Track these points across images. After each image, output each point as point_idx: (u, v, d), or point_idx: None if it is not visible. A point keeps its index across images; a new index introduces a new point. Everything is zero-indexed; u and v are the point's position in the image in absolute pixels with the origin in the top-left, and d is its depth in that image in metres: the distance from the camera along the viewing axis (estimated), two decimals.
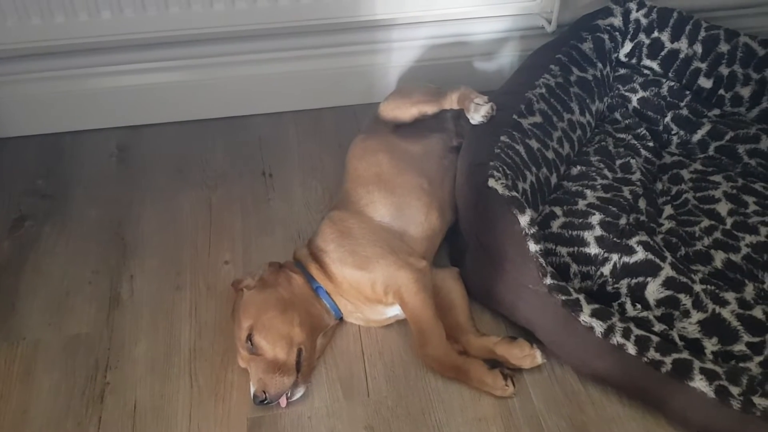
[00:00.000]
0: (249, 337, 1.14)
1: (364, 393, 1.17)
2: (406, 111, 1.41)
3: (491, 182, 1.19)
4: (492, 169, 1.22)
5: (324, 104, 1.75)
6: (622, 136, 1.52)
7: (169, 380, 1.19)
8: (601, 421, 1.12)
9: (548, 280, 1.14)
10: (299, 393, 1.14)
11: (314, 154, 1.64)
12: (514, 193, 1.18)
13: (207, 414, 1.14)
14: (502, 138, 1.30)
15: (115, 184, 1.56)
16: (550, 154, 1.37)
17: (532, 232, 1.15)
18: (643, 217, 1.34)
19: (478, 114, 1.33)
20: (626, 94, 1.59)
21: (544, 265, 1.14)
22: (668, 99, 1.57)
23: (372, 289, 1.20)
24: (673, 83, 1.58)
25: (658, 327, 1.16)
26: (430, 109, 1.41)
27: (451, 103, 1.39)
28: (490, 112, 1.33)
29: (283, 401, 1.12)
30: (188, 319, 1.28)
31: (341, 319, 1.26)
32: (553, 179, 1.38)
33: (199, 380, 1.19)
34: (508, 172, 1.24)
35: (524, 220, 1.15)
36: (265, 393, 1.10)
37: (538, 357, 1.17)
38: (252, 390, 1.11)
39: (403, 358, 1.22)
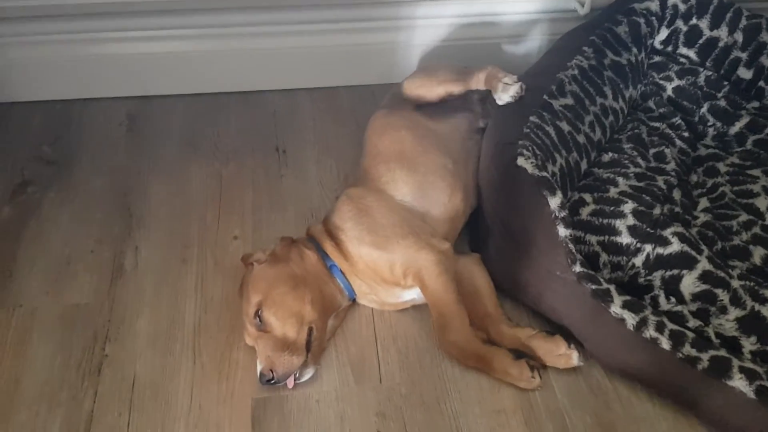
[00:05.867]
0: (258, 313, 1.07)
1: (376, 378, 1.10)
2: (432, 90, 1.35)
3: (520, 161, 1.12)
4: (521, 147, 1.15)
5: (341, 82, 1.68)
6: (656, 125, 1.45)
7: (171, 356, 1.12)
8: (629, 420, 1.05)
9: (578, 268, 1.07)
10: (308, 374, 1.08)
11: (330, 132, 1.57)
12: (545, 174, 1.11)
13: (209, 392, 1.07)
14: (532, 118, 1.23)
15: (124, 154, 1.51)
16: (581, 138, 1.30)
17: (562, 215, 1.08)
18: (677, 209, 1.27)
19: (506, 94, 1.27)
20: (661, 82, 1.52)
21: (573, 251, 1.08)
22: (705, 89, 1.50)
23: (390, 271, 1.13)
24: (710, 73, 1.51)
25: (693, 323, 1.08)
26: (456, 88, 1.34)
27: (478, 83, 1.32)
28: (519, 92, 1.27)
29: (290, 382, 1.06)
30: (194, 293, 1.22)
31: (354, 300, 1.20)
32: (583, 165, 1.31)
33: (203, 357, 1.12)
34: (538, 152, 1.17)
35: (554, 202, 1.08)
36: (272, 372, 1.03)
37: (574, 359, 1.09)
38: (258, 368, 1.05)
39: (417, 345, 1.15)
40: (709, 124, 1.48)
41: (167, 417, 1.04)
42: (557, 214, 1.08)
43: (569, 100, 1.31)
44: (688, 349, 1.01)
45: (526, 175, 1.11)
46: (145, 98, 1.64)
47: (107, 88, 1.63)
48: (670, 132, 1.43)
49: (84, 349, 1.13)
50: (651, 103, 1.50)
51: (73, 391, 1.07)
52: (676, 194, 1.30)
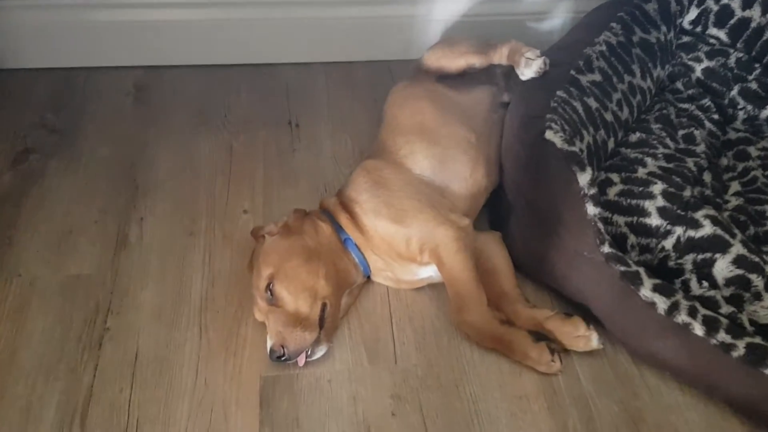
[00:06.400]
0: (269, 287, 1.02)
1: (391, 359, 1.05)
2: (453, 61, 1.30)
3: (549, 134, 1.07)
4: (549, 121, 1.09)
5: (357, 57, 1.63)
6: (685, 106, 1.39)
7: (177, 330, 1.07)
8: (658, 409, 0.99)
9: (606, 248, 1.02)
10: (320, 352, 1.03)
11: (345, 107, 1.52)
12: (574, 148, 1.05)
13: (216, 369, 1.02)
14: (559, 93, 1.17)
15: (130, 123, 1.45)
16: (608, 116, 1.24)
17: (591, 192, 1.02)
18: (708, 191, 1.21)
19: (529, 69, 1.21)
20: (689, 63, 1.46)
21: (602, 230, 1.02)
22: (735, 71, 1.43)
23: (406, 246, 1.07)
24: (741, 54, 1.45)
25: (726, 309, 1.03)
26: (477, 60, 1.29)
27: (500, 57, 1.27)
28: (543, 67, 1.21)
29: (301, 359, 1.00)
30: (201, 266, 1.16)
31: (369, 277, 1.14)
32: (610, 144, 1.25)
33: (210, 332, 1.07)
34: (566, 127, 1.11)
35: (584, 178, 1.03)
36: (283, 348, 0.98)
37: (594, 341, 1.03)
38: (269, 344, 1.00)
39: (435, 325, 1.10)
40: (740, 107, 1.42)
41: (171, 393, 0.99)
42: (586, 191, 1.02)
43: (597, 77, 1.25)
44: (722, 336, 0.96)
45: (555, 150, 1.05)
46: (154, 68, 1.58)
47: (114, 56, 1.57)
48: (700, 114, 1.37)
49: (85, 321, 1.08)
50: (679, 84, 1.44)
51: (72, 364, 1.02)
52: (707, 177, 1.25)
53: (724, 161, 1.33)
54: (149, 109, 1.49)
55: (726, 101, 1.43)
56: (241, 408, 0.98)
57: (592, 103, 1.21)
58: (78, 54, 1.56)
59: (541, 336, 1.05)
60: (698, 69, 1.45)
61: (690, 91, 1.43)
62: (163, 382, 1.00)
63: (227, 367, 1.02)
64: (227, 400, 0.98)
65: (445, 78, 1.30)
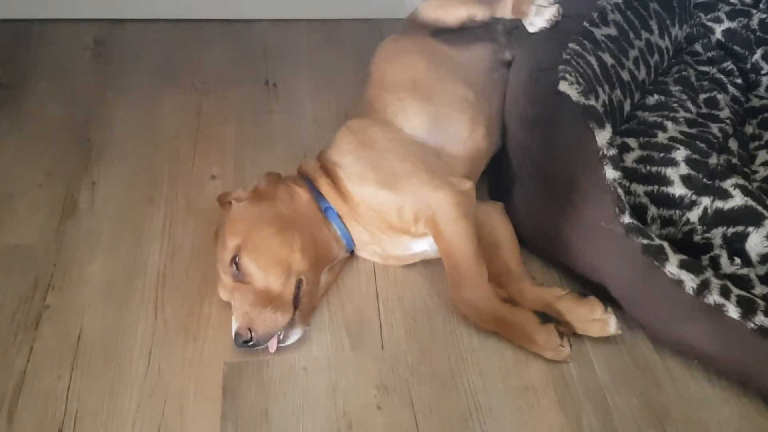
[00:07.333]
0: (235, 260, 0.87)
1: (377, 344, 0.91)
2: (452, 11, 1.16)
3: (563, 86, 0.93)
4: (563, 72, 0.95)
5: (344, 14, 1.49)
6: (705, 69, 1.26)
7: (128, 309, 0.93)
8: (685, 403, 0.86)
9: (626, 219, 0.88)
10: (294, 336, 0.88)
11: (329, 66, 1.37)
12: (592, 102, 0.91)
13: (172, 353, 0.88)
14: (571, 45, 1.04)
15: (87, 80, 1.30)
16: (625, 75, 1.11)
17: (610, 153, 0.89)
18: (735, 160, 1.09)
19: (540, 17, 1.08)
20: (709, 23, 1.33)
21: (622, 197, 0.88)
22: (758, 33, 1.31)
23: (398, 215, 0.93)
24: (765, 15, 1.32)
25: (760, 289, 0.90)
26: (480, 12, 1.15)
27: (504, 10, 1.13)
28: (556, 15, 1.08)
29: (272, 344, 0.86)
30: (160, 237, 1.02)
31: (352, 252, 1.00)
32: (626, 106, 1.12)
33: (167, 312, 0.93)
34: (581, 81, 0.97)
35: (603, 136, 0.89)
36: (250, 331, 0.84)
37: (612, 325, 0.90)
38: (234, 327, 0.85)
39: (428, 306, 0.96)
40: (763, 72, 1.30)
41: (117, 382, 0.84)
42: (605, 152, 0.89)
43: (612, 30, 1.12)
44: (761, 319, 0.83)
45: (570, 104, 0.92)
46: (116, 22, 1.43)
47: (72, 8, 1.42)
48: (722, 77, 1.25)
49: (21, 297, 0.93)
50: (698, 46, 1.31)
51: (4, 346, 0.87)
52: (733, 144, 1.12)
53: (749, 129, 1.20)
54: (109, 65, 1.34)
55: (748, 66, 1.30)
56: (199, 399, 0.83)
57: (608, 59, 1.08)
58: (33, 5, 1.41)
59: (548, 318, 0.91)
60: (718, 30, 1.33)
61: (710, 54, 1.30)
62: (109, 369, 0.86)
63: (186, 353, 0.88)
64: (184, 390, 0.84)
65: (440, 33, 1.15)
